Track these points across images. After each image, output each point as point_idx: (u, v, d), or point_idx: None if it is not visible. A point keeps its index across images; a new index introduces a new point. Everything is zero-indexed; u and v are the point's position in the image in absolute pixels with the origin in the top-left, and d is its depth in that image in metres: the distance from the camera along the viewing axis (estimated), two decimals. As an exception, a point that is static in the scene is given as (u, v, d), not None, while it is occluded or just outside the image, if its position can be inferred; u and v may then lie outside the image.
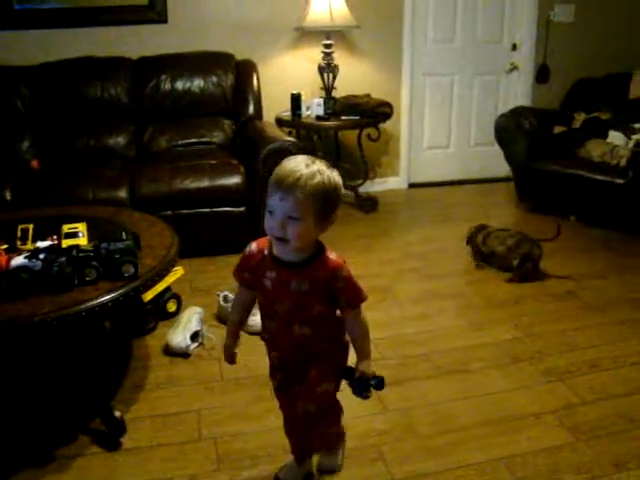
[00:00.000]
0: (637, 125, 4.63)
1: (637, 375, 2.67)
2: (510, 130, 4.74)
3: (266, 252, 1.70)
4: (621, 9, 5.47)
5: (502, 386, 2.60)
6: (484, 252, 3.75)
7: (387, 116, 4.68)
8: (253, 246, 1.76)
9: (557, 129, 4.86)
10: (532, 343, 2.93)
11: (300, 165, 1.55)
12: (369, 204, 4.91)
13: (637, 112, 4.84)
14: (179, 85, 4.46)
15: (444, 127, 5.52)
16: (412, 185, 5.53)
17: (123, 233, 2.38)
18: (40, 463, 2.17)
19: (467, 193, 5.37)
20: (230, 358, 1.90)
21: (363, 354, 1.78)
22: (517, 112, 4.84)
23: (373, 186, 5.28)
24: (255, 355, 1.73)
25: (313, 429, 1.92)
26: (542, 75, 5.53)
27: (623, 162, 4.25)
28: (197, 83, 4.49)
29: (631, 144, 4.44)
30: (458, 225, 3.90)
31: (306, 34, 4.79)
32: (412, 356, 2.84)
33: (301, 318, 1.72)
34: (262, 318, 1.81)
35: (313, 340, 1.76)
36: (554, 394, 2.53)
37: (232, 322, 1.92)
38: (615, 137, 4.60)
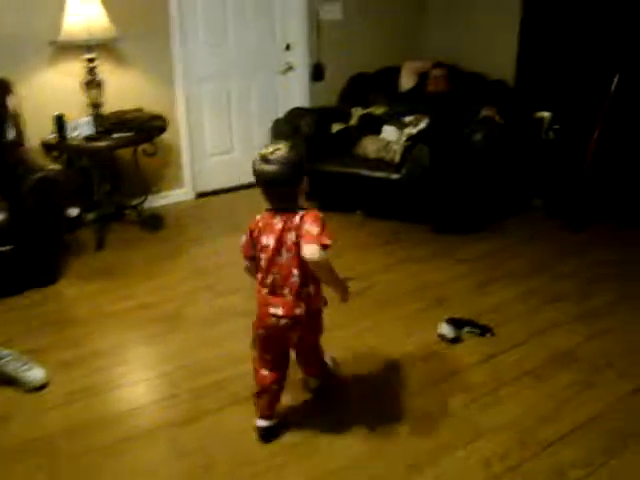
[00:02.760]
0: (408, 118, 4.73)
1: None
2: (287, 135, 4.57)
3: None
4: (382, 5, 5.73)
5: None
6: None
7: (161, 129, 4.48)
8: None
9: (335, 127, 4.93)
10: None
11: None
12: (154, 222, 4.65)
13: (408, 103, 5.01)
14: None
15: (226, 132, 5.42)
16: (200, 195, 5.38)
17: None
18: None
19: (257, 197, 5.25)
20: None
21: None
22: (294, 115, 4.83)
23: (158, 201, 5.05)
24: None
25: None
26: (317, 73, 5.63)
27: (397, 158, 4.38)
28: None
29: (403, 138, 4.53)
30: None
31: (64, 48, 4.38)
32: (206, 386, 2.72)
33: None
34: None
35: None
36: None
37: None
38: (389, 132, 4.72)
